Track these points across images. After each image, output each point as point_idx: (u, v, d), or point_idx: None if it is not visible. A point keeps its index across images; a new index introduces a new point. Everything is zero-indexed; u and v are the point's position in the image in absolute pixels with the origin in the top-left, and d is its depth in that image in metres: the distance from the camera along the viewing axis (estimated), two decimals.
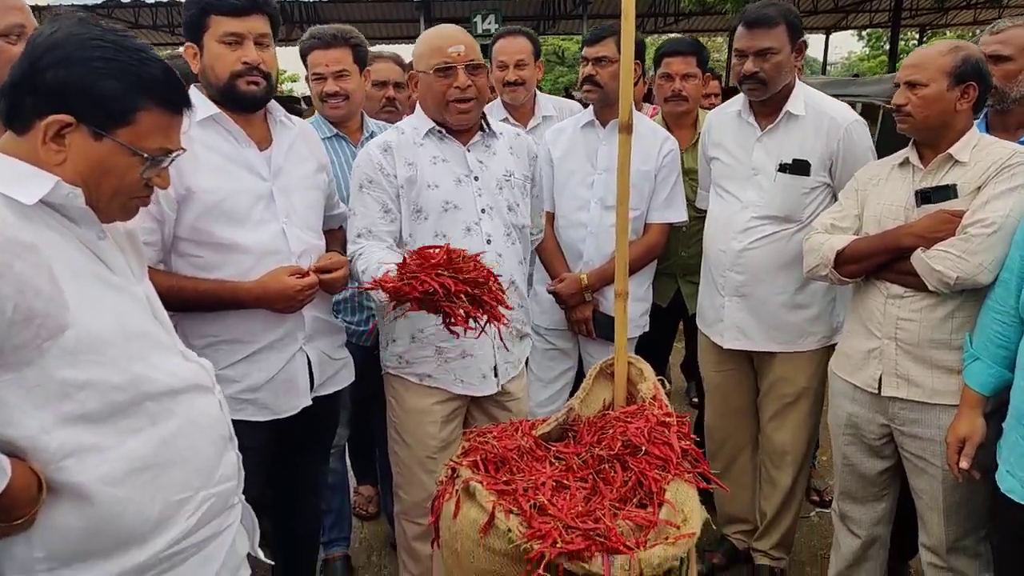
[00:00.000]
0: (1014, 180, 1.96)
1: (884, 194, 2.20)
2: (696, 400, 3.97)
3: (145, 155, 1.25)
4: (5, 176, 1.16)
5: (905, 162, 2.18)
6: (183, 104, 1.32)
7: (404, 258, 1.87)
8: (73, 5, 15.01)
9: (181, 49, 2.07)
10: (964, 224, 1.98)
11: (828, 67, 27.78)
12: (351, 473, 3.34)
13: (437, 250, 1.87)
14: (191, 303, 1.93)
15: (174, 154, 1.32)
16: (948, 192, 2.06)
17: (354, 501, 3.36)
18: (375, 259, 2.04)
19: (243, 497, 1.44)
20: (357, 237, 2.18)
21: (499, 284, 1.88)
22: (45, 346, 1.12)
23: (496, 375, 2.31)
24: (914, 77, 2.06)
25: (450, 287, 1.78)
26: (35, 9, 2.02)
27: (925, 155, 2.14)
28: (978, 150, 2.06)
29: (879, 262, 2.15)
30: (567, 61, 31.62)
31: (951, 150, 2.07)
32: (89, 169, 1.22)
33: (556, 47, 32.15)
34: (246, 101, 1.97)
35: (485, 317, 1.84)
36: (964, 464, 1.95)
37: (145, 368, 1.23)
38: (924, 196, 2.09)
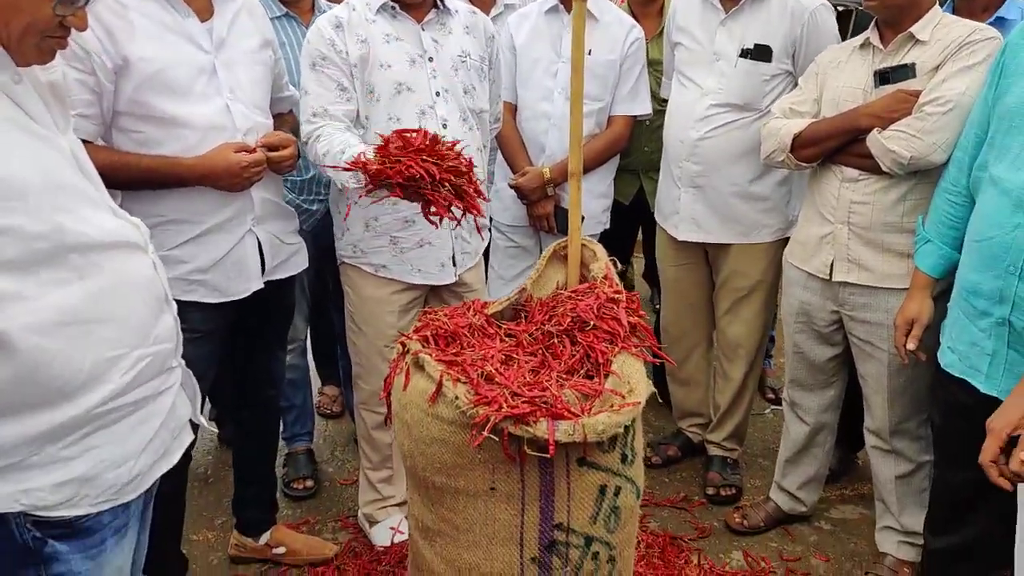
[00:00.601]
0: (972, 58, 1.94)
1: (843, 76, 2.17)
2: (659, 307, 4.01)
3: None
4: None
5: (866, 43, 2.15)
6: None
7: (385, 140, 1.81)
8: None
9: None
10: (920, 103, 1.97)
11: None
12: (314, 372, 3.36)
13: (414, 134, 1.83)
14: (134, 180, 1.88)
15: None
16: (907, 71, 2.03)
17: (318, 401, 3.39)
18: (338, 140, 1.99)
19: (183, 362, 1.42)
20: (312, 116, 2.11)
21: (476, 174, 1.85)
22: None
23: (454, 264, 2.30)
24: None
25: (435, 174, 1.75)
26: None
27: (886, 35, 2.10)
28: (939, 28, 2.03)
29: (836, 144, 2.13)
30: None
31: (912, 28, 2.04)
32: None
33: None
34: None
35: (462, 208, 1.81)
36: (911, 345, 1.99)
37: (71, 220, 1.18)
38: (883, 76, 2.07)
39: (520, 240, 2.96)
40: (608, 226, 3.01)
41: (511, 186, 2.78)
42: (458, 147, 2.13)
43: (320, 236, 2.64)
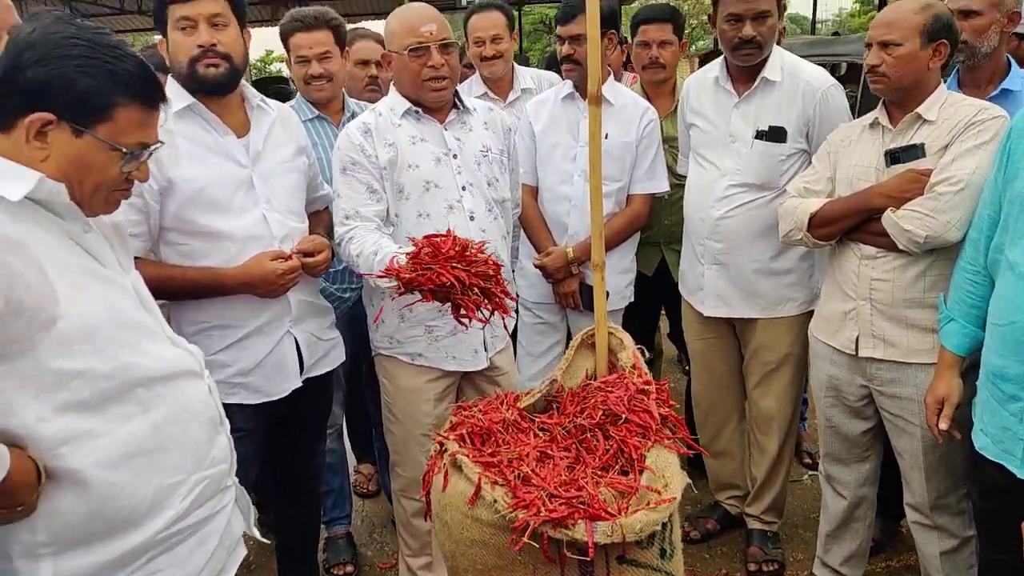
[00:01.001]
0: (980, 137, 1.99)
1: (855, 156, 2.22)
2: (688, 368, 4.02)
3: (124, 150, 1.29)
4: None
5: (875, 123, 2.21)
6: (159, 98, 1.35)
7: (417, 248, 1.89)
8: None
9: (157, 39, 2.09)
10: (932, 183, 2.01)
11: (817, 25, 27.53)
12: (350, 452, 3.41)
13: (441, 238, 1.90)
14: (180, 291, 1.99)
15: (152, 148, 1.35)
16: (916, 151, 2.09)
17: (354, 480, 3.43)
18: (370, 242, 2.07)
19: (236, 479, 1.49)
20: (345, 219, 2.20)
21: (503, 277, 1.92)
22: (37, 338, 1.16)
23: (486, 349, 2.36)
24: (887, 37, 2.06)
25: (464, 281, 1.81)
26: None
27: (894, 115, 2.16)
28: (946, 108, 2.09)
29: (851, 223, 2.18)
30: (555, 31, 31.25)
31: (919, 109, 2.10)
32: (71, 165, 1.25)
33: (543, 16, 31.83)
34: (208, 84, 1.98)
35: (490, 309, 1.88)
36: (943, 425, 1.98)
37: (134, 356, 1.27)
38: (893, 156, 2.12)
39: (547, 316, 3.02)
40: (632, 299, 3.07)
41: (536, 266, 2.86)
42: (482, 234, 2.23)
43: (353, 322, 2.72)
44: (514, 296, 2.01)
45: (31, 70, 1.20)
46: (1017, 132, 1.77)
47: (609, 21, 2.81)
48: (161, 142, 1.38)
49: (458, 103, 2.32)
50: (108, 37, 1.28)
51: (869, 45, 2.12)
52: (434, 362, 2.31)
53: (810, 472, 3.44)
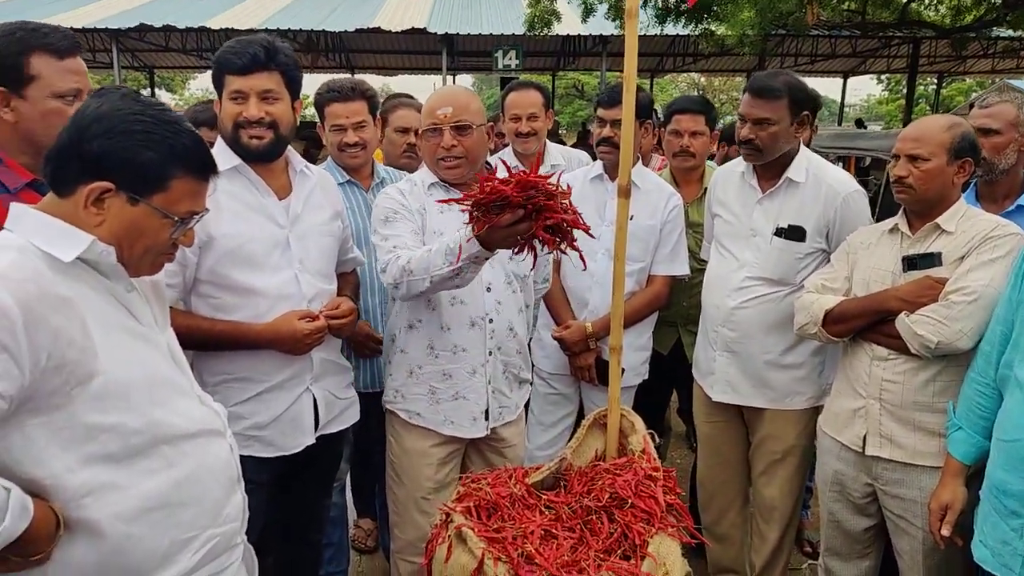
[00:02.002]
0: (995, 252, 2.05)
1: (873, 258, 2.28)
2: (695, 445, 4.03)
3: (176, 218, 1.37)
4: (47, 235, 1.27)
5: (895, 228, 2.27)
6: (211, 171, 1.44)
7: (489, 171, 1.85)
8: (108, 29, 15.43)
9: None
10: (947, 291, 2.07)
11: (846, 109, 27.96)
12: (351, 506, 3.42)
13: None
14: (207, 342, 2.05)
15: (200, 215, 1.43)
16: (933, 260, 2.14)
17: (353, 534, 3.44)
18: (421, 248, 2.10)
19: (245, 538, 1.53)
20: (392, 248, 2.20)
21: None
22: (74, 392, 1.21)
23: (487, 418, 2.38)
24: (916, 151, 2.14)
25: (549, 190, 1.78)
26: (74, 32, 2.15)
27: (914, 223, 2.23)
28: (963, 220, 2.15)
29: (866, 323, 2.23)
30: (586, 95, 32.05)
31: (939, 220, 2.16)
32: (124, 230, 1.33)
33: (575, 81, 32.59)
34: (249, 153, 2.08)
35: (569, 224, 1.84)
36: (946, 532, 2.00)
37: (164, 413, 1.32)
38: (910, 262, 2.18)
39: (561, 388, 3.07)
40: (647, 376, 3.10)
41: (555, 338, 2.91)
42: (498, 306, 2.31)
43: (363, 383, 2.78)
44: (592, 233, 1.96)
45: (97, 142, 1.29)
46: None
47: (645, 110, 2.92)
48: (207, 209, 1.46)
49: None
50: (169, 113, 1.37)
51: (896, 156, 2.19)
52: (432, 424, 2.35)
53: (810, 561, 3.41)
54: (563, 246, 1.87)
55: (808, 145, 2.75)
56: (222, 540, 1.40)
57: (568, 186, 1.89)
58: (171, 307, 2.00)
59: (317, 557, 2.58)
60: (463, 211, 1.91)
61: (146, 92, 24.79)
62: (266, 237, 2.10)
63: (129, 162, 1.30)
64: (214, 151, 2.05)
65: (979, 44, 16.38)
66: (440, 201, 2.18)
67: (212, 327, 2.04)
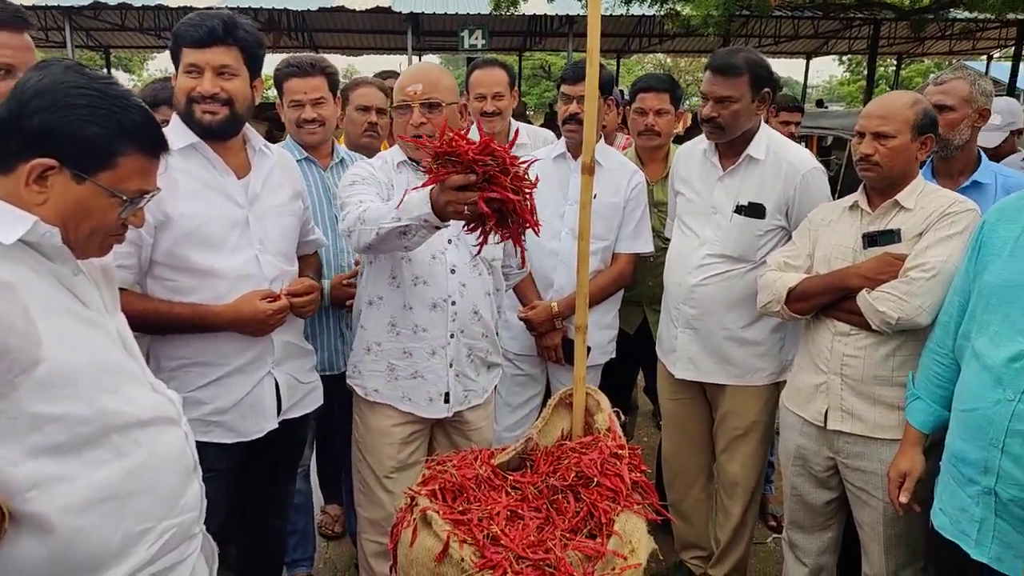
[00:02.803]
0: (953, 228, 2.07)
1: (834, 235, 2.30)
2: (661, 423, 4.06)
3: (124, 197, 1.31)
4: None
5: (854, 205, 2.29)
6: (162, 148, 1.38)
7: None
8: (60, 7, 14.96)
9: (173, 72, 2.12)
10: (906, 267, 2.09)
11: (808, 90, 28.23)
12: (317, 492, 3.39)
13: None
14: (164, 325, 2.00)
15: (150, 195, 1.38)
16: (892, 236, 2.17)
17: (320, 520, 3.41)
18: (381, 204, 2.04)
19: (204, 527, 1.49)
20: (351, 205, 2.13)
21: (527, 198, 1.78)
22: (18, 380, 1.16)
23: (447, 401, 2.35)
24: (882, 128, 2.15)
25: (500, 157, 1.70)
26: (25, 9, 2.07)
27: (874, 200, 2.25)
28: (922, 197, 2.18)
29: (827, 300, 2.25)
30: (553, 76, 31.96)
31: (898, 196, 2.18)
32: (69, 210, 1.27)
33: (542, 62, 32.44)
34: (202, 128, 2.02)
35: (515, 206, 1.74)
36: (904, 499, 2.05)
37: (114, 401, 1.28)
38: (870, 239, 2.20)
39: (528, 368, 3.06)
40: (614, 355, 3.11)
41: (521, 318, 2.90)
42: (462, 288, 2.28)
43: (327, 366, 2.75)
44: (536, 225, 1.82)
45: (38, 116, 1.23)
46: (989, 226, 1.86)
47: (607, 87, 2.90)
48: (158, 188, 1.40)
49: None
50: (116, 87, 1.32)
51: (861, 134, 2.20)
52: (389, 399, 2.33)
53: (774, 535, 3.47)
54: (512, 232, 1.78)
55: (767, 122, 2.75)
56: (179, 530, 1.37)
57: (536, 178, 1.83)
58: (127, 290, 1.96)
59: (281, 544, 2.55)
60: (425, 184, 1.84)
61: (102, 72, 24.14)
62: (225, 217, 2.05)
63: (73, 137, 1.25)
64: (170, 128, 2.02)
65: (937, 26, 16.63)
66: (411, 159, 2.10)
67: (170, 309, 1.99)
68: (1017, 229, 1.76)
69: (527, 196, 1.75)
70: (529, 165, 1.79)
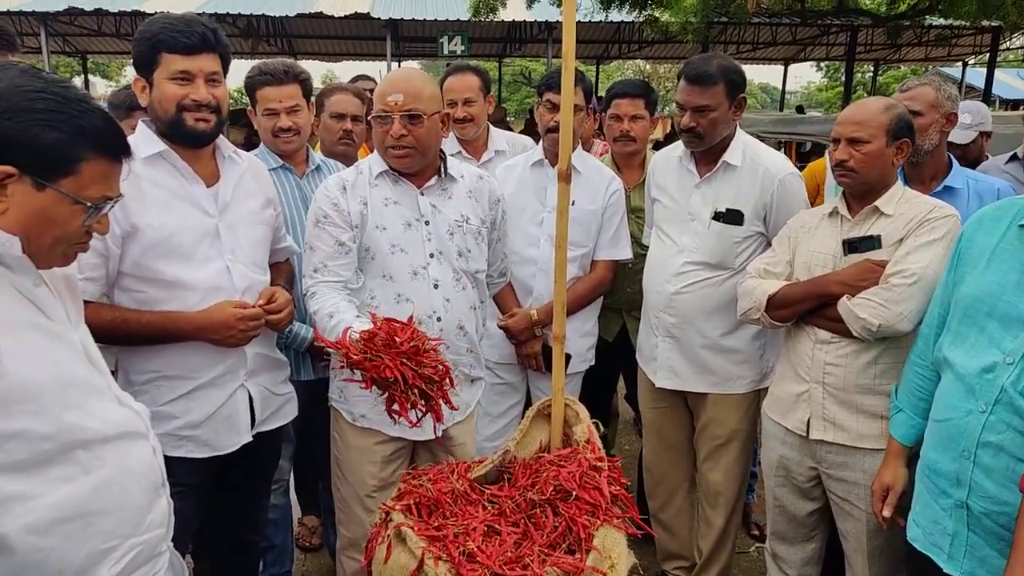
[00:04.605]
0: (933, 234, 2.06)
1: (814, 242, 2.29)
2: (643, 432, 4.03)
3: (88, 203, 1.27)
4: None
5: (834, 212, 2.28)
6: (124, 152, 1.34)
7: (373, 330, 1.83)
8: (35, 12, 14.78)
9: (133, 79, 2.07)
10: (887, 274, 2.08)
11: (787, 96, 28.50)
12: (295, 504, 3.33)
13: (400, 325, 1.86)
14: (134, 336, 1.94)
15: (114, 200, 1.33)
16: (873, 243, 2.15)
17: (297, 532, 3.35)
18: (330, 304, 2.08)
19: (171, 545, 1.44)
20: (313, 272, 2.19)
21: (451, 381, 1.88)
22: None
23: (438, 420, 2.30)
24: (857, 134, 2.13)
25: (408, 379, 1.78)
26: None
27: (853, 206, 2.24)
28: (901, 203, 2.16)
29: (808, 308, 2.23)
30: (533, 82, 31.96)
31: (878, 202, 2.17)
32: (30, 218, 1.23)
33: (523, 68, 32.47)
34: (194, 137, 1.99)
35: (424, 411, 1.85)
36: (887, 512, 2.02)
37: (78, 416, 1.23)
38: (851, 245, 2.19)
39: (508, 377, 3.02)
40: (593, 362, 3.08)
41: (500, 327, 2.86)
42: (446, 304, 2.23)
43: (304, 373, 2.71)
44: (454, 405, 1.97)
45: None
46: (967, 236, 1.84)
47: (585, 95, 2.88)
48: (122, 195, 1.36)
49: (442, 171, 2.31)
50: (75, 91, 1.27)
51: (837, 140, 2.18)
52: (376, 424, 2.27)
53: (757, 544, 3.45)
54: (432, 408, 1.86)
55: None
56: (145, 548, 1.32)
57: (444, 370, 1.86)
58: (95, 301, 1.90)
59: (254, 559, 2.49)
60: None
61: (79, 79, 23.84)
62: (194, 227, 2.00)
63: (32, 143, 1.20)
64: (136, 136, 1.97)
65: (913, 32, 16.81)
66: None
67: (139, 318, 1.93)
68: (994, 240, 1.74)
69: (440, 383, 1.84)
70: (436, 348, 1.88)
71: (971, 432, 1.64)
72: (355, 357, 1.79)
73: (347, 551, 2.41)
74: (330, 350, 1.90)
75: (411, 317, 1.93)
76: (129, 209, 1.89)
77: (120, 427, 1.32)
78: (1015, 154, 3.11)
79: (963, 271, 1.79)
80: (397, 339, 1.81)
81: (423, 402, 1.82)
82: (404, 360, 1.78)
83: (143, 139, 1.98)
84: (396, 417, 1.84)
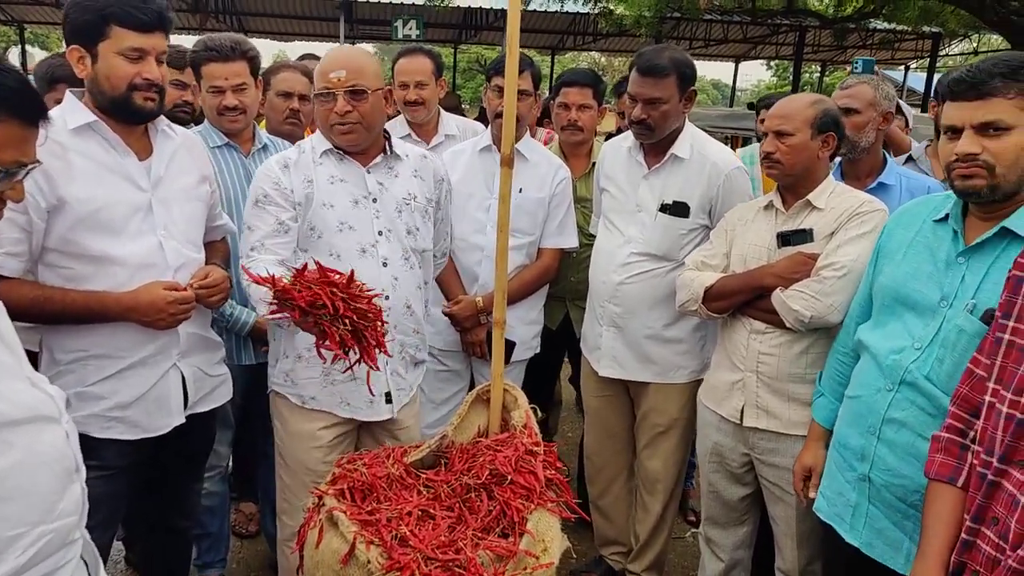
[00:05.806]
0: (862, 227, 2.12)
1: (750, 235, 2.33)
2: (585, 420, 4.07)
3: None
4: None
5: (769, 205, 2.33)
6: (40, 115, 1.28)
7: (304, 266, 1.84)
8: None
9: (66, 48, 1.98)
10: (818, 267, 2.14)
11: (737, 93, 28.99)
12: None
13: (338, 276, 1.86)
14: (58, 314, 1.87)
15: (29, 167, 1.28)
16: (805, 236, 2.21)
17: (233, 519, 3.29)
18: (263, 263, 2.05)
19: (86, 533, 1.39)
20: (251, 251, 2.16)
21: (384, 328, 1.87)
22: None
23: (389, 401, 2.29)
24: (782, 127, 2.20)
25: (339, 308, 1.76)
26: None
27: (787, 200, 2.29)
28: (833, 197, 2.22)
29: (743, 299, 2.28)
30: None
31: (809, 196, 2.23)
32: None
33: (478, 55, 32.30)
34: (141, 114, 1.94)
35: (358, 352, 1.82)
36: (812, 493, 2.08)
37: None
38: (784, 238, 2.24)
39: (452, 364, 3.01)
40: (539, 350, 3.10)
41: (445, 313, 2.85)
42: (394, 282, 2.20)
43: (245, 357, 2.66)
44: (388, 351, 1.95)
45: None
46: (888, 231, 1.94)
47: (537, 83, 2.88)
48: (39, 161, 1.30)
49: (388, 149, 2.29)
50: None
51: (766, 133, 2.24)
52: (327, 406, 2.24)
53: (693, 530, 3.52)
54: (364, 349, 1.85)
55: None
56: (56, 537, 1.26)
57: (378, 310, 1.86)
58: (17, 278, 1.83)
59: (186, 545, 2.44)
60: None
61: (16, 49, 22.86)
62: (126, 200, 1.94)
63: None
64: (64, 107, 1.90)
65: (858, 35, 17.25)
66: None
67: (64, 296, 1.86)
68: (911, 234, 1.84)
69: (373, 323, 1.84)
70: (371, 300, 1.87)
71: (878, 409, 1.75)
72: (283, 284, 1.77)
73: (289, 542, 2.36)
74: (260, 291, 1.88)
75: (352, 271, 1.89)
76: (55, 182, 1.83)
77: (31, 410, 1.25)
78: (910, 156, 3.22)
79: (882, 263, 1.89)
80: (330, 275, 1.82)
81: (355, 341, 1.80)
82: (335, 291, 1.77)
83: (71, 109, 1.91)
84: (327, 356, 1.82)
